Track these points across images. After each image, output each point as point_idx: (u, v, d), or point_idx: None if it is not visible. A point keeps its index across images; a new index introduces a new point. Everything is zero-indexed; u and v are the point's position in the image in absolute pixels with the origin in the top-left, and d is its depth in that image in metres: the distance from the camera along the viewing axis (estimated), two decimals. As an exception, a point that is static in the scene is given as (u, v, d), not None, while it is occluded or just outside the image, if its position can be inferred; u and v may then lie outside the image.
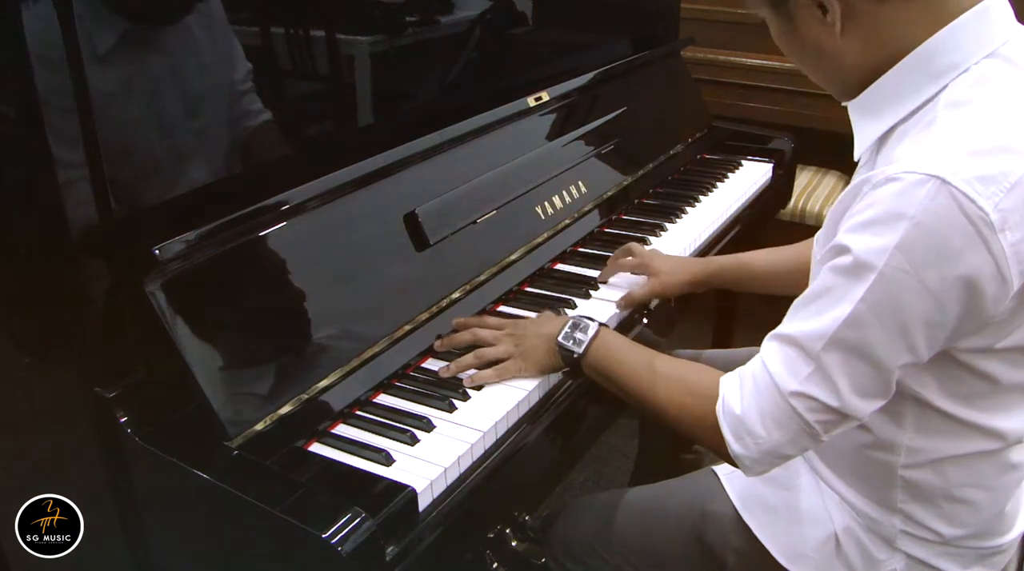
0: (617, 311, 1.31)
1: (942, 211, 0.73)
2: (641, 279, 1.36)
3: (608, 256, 1.45)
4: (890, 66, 0.83)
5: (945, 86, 0.80)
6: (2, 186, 0.94)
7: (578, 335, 1.06)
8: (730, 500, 1.09)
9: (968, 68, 0.79)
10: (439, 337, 1.18)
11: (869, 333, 0.78)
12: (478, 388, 1.10)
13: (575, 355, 1.05)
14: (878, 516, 0.97)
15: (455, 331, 1.19)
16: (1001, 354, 0.84)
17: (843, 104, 0.92)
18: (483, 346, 1.13)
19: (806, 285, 0.91)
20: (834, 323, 0.79)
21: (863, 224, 0.77)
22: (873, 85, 0.86)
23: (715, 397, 0.90)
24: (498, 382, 1.10)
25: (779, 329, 0.86)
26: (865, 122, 0.88)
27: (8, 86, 0.86)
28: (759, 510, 1.06)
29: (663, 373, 0.98)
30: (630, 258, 1.37)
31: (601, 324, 1.08)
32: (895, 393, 0.84)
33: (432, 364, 1.16)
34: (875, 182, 0.77)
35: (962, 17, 0.80)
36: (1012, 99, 0.78)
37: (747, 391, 0.87)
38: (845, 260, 0.79)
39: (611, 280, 1.38)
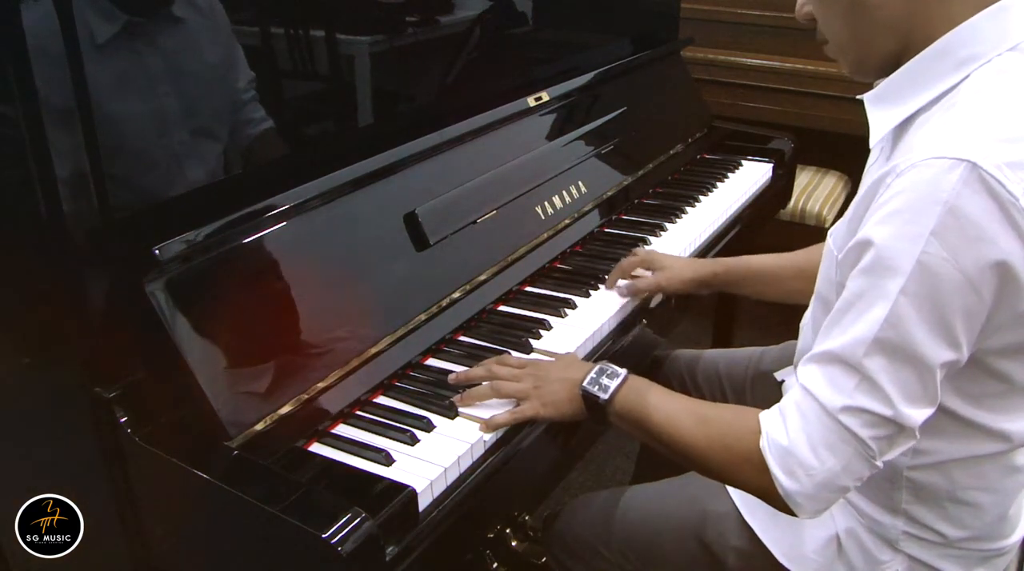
0: (620, 305, 1.31)
1: (975, 196, 0.72)
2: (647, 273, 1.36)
3: (608, 256, 1.45)
4: (914, 50, 0.83)
5: (967, 76, 0.80)
6: (1, 184, 0.94)
7: (604, 381, 1.00)
8: (731, 500, 1.09)
9: (991, 59, 0.79)
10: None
11: (910, 329, 0.76)
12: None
13: (600, 400, 1.00)
14: (881, 518, 0.97)
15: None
16: (1018, 356, 0.83)
17: (858, 98, 0.91)
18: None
19: (810, 293, 0.89)
20: (874, 324, 0.77)
21: (893, 213, 0.76)
22: (893, 75, 0.85)
23: (758, 433, 0.85)
24: (513, 424, 1.04)
25: (814, 351, 0.84)
26: (882, 111, 0.87)
27: (5, 81, 0.86)
28: (760, 510, 1.06)
29: (700, 416, 0.93)
30: (636, 257, 1.37)
31: (628, 372, 1.02)
32: None
33: (433, 363, 1.16)
34: (901, 170, 0.76)
35: (987, 9, 0.80)
36: None
37: (792, 420, 0.83)
38: (874, 257, 0.77)
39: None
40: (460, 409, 1.05)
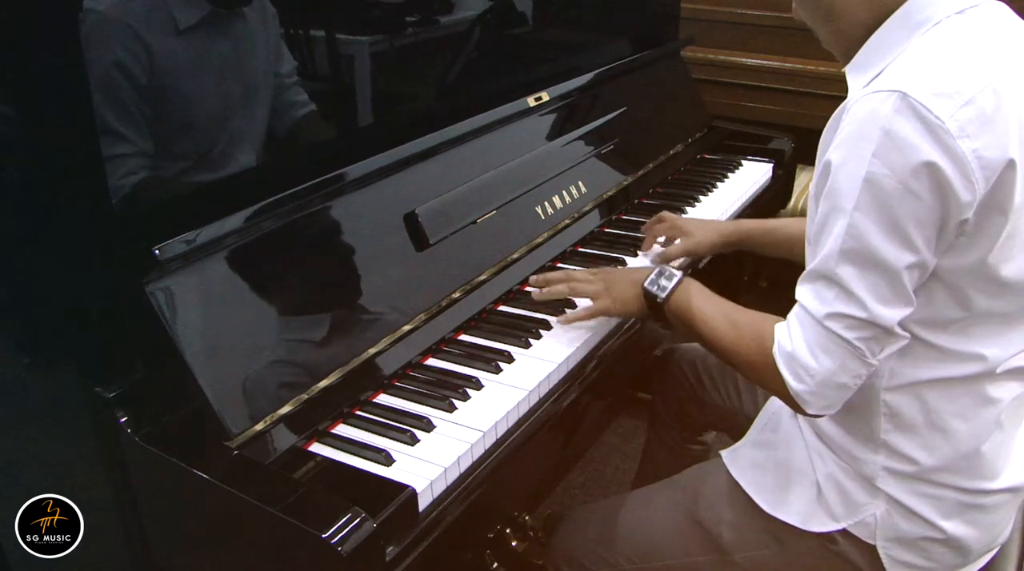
0: None
1: (905, 120, 0.84)
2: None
3: (609, 256, 1.46)
4: (879, 25, 0.94)
5: (921, 35, 0.91)
6: (2, 185, 0.94)
7: (663, 282, 1.15)
8: (723, 475, 1.12)
9: (939, 21, 0.90)
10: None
11: (868, 237, 0.87)
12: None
13: (658, 299, 1.14)
14: (861, 454, 1.01)
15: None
16: (977, 279, 0.91)
17: (842, 70, 1.00)
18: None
19: None
20: (839, 238, 0.88)
21: (844, 139, 0.88)
22: (864, 45, 0.95)
23: (772, 343, 0.97)
24: (588, 319, 1.22)
25: (804, 273, 0.96)
26: (856, 78, 0.96)
27: (9, 84, 0.86)
28: (748, 468, 1.11)
29: (733, 322, 1.06)
30: (663, 224, 1.48)
31: (685, 275, 1.16)
32: None
33: (433, 362, 1.16)
34: (849, 106, 0.89)
35: None
36: (969, 40, 0.90)
37: (793, 330, 0.95)
38: (832, 180, 0.89)
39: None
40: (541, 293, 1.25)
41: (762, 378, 1.01)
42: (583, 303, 1.25)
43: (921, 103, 0.83)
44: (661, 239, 1.49)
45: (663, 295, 1.14)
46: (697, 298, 1.12)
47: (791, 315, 0.97)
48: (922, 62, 0.88)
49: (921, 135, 0.83)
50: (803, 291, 0.95)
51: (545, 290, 1.25)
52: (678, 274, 1.15)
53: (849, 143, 0.87)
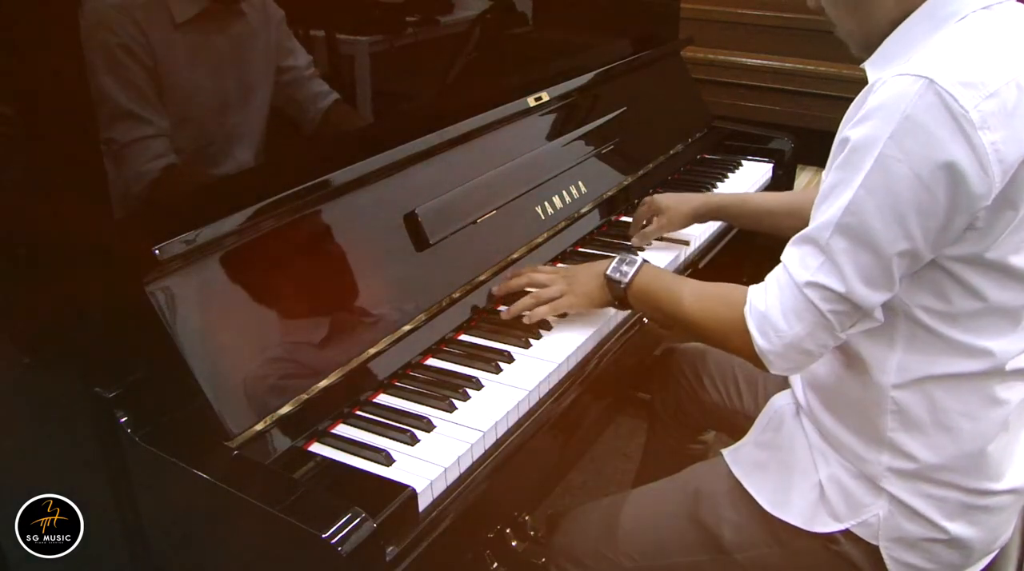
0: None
1: (929, 107, 0.84)
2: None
3: (608, 255, 1.45)
4: (905, 18, 0.94)
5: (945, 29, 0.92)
6: (2, 185, 0.94)
7: (624, 268, 1.18)
8: (724, 475, 1.12)
9: (966, 15, 0.91)
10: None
11: (868, 218, 0.88)
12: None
13: (621, 285, 1.17)
14: (866, 453, 1.01)
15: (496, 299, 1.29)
16: (988, 270, 0.91)
17: (861, 66, 1.00)
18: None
19: (799, 227, 0.99)
20: (838, 211, 0.89)
21: (863, 118, 0.89)
22: (887, 39, 0.96)
23: (744, 304, 1.00)
24: (552, 315, 1.22)
25: (797, 234, 0.96)
26: (879, 71, 0.95)
27: (8, 82, 0.86)
28: (750, 468, 1.11)
29: (700, 293, 1.10)
30: (644, 207, 1.53)
31: (645, 260, 1.19)
32: (888, 312, 0.94)
33: (433, 362, 1.16)
34: (876, 87, 0.89)
35: None
36: (995, 34, 0.91)
37: (770, 291, 0.97)
38: (846, 154, 0.89)
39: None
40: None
41: (728, 339, 1.02)
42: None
43: (947, 91, 0.83)
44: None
45: (626, 280, 1.17)
46: (659, 278, 1.16)
47: (770, 277, 0.98)
48: (950, 51, 0.88)
49: (943, 125, 0.83)
50: (790, 253, 0.96)
51: (513, 307, 1.23)
52: (639, 259, 1.19)
53: (869, 121, 0.87)
